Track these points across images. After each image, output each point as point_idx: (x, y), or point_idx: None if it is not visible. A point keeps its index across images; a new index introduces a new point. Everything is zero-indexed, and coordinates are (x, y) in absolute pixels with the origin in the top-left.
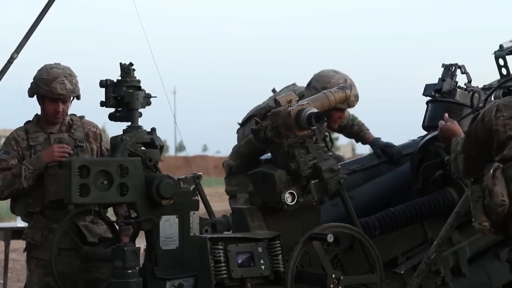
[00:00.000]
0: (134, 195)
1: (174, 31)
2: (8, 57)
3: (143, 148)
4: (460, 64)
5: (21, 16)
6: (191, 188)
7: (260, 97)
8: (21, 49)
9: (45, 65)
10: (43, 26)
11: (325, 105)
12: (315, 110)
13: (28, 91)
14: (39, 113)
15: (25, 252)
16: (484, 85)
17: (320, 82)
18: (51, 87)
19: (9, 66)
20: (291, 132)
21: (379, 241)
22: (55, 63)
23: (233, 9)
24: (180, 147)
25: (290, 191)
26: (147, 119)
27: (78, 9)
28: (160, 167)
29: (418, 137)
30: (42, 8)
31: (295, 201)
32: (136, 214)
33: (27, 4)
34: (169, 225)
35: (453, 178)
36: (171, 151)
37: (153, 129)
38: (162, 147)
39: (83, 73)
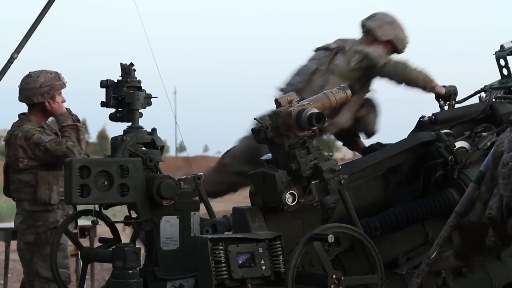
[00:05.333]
0: (134, 196)
1: (175, 29)
2: (8, 57)
3: (143, 148)
4: None
5: (22, 13)
6: (192, 188)
7: (262, 97)
8: (21, 49)
9: None
10: (43, 25)
11: (326, 106)
12: (316, 111)
13: None
14: None
15: None
16: (485, 85)
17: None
18: None
19: (9, 66)
20: (291, 133)
21: (380, 241)
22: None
23: (235, 7)
24: (181, 148)
25: (290, 191)
26: (147, 119)
27: (77, 8)
28: (161, 168)
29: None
30: (42, 8)
31: (295, 201)
32: (136, 215)
33: (27, 3)
34: (169, 225)
35: (453, 179)
36: (172, 152)
37: (154, 130)
38: (162, 148)
39: (82, 72)
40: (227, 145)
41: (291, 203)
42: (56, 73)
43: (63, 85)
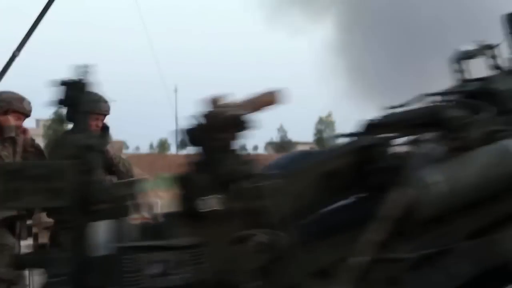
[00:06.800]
0: (67, 200)
1: (176, 25)
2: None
3: (85, 150)
4: None
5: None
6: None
7: None
8: (22, 47)
9: None
10: (43, 23)
11: (252, 108)
12: (241, 113)
13: None
14: None
15: None
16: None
17: None
18: None
19: (11, 64)
20: (216, 135)
21: (315, 247)
22: None
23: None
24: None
25: (213, 196)
26: (148, 117)
27: (77, 7)
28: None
29: None
30: (43, 7)
31: (219, 206)
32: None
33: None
34: (99, 231)
35: (395, 184)
36: (173, 149)
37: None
38: (104, 151)
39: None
40: None
41: (214, 207)
42: (23, 98)
43: (25, 111)
